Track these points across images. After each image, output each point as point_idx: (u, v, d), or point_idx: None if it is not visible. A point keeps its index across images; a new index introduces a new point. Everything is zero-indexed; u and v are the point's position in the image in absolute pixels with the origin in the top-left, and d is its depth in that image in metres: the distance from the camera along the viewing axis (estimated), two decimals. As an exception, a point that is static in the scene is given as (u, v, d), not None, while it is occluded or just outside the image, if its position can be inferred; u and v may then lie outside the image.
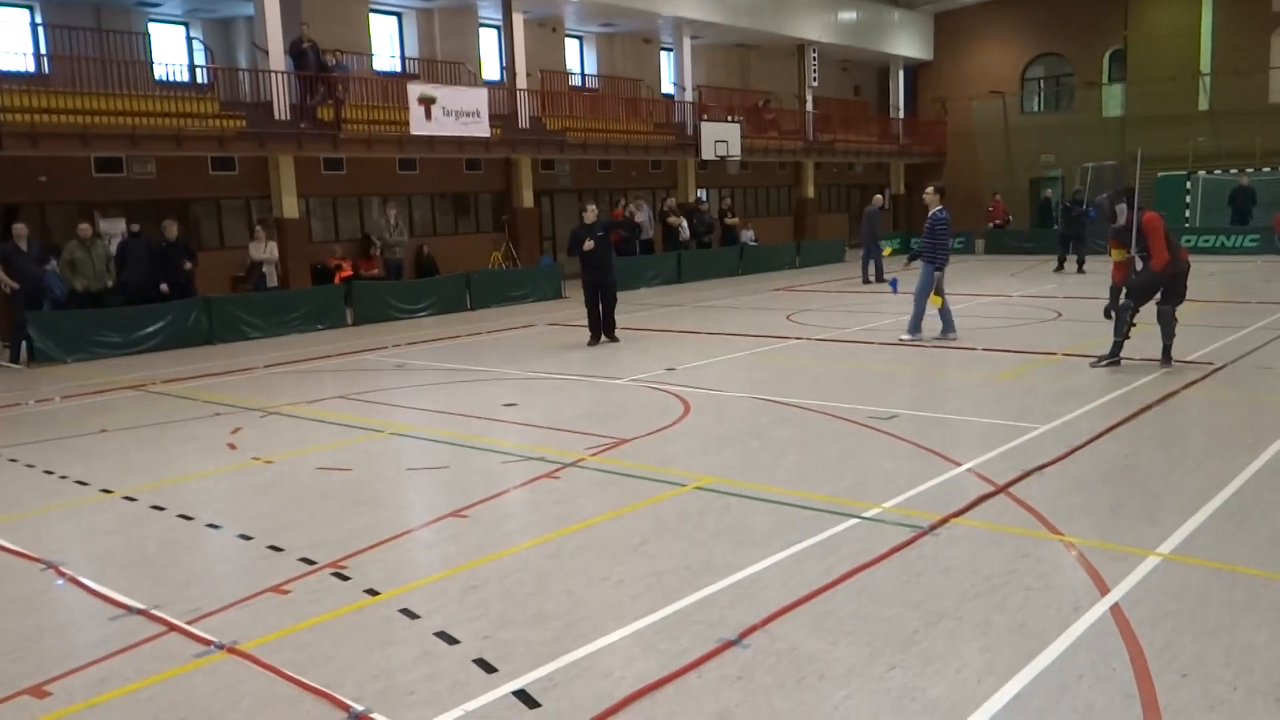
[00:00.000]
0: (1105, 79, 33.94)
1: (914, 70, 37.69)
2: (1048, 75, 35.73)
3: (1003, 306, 16.69)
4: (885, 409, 8.79)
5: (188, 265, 16.49)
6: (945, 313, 12.87)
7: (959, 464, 6.92)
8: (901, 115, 36.84)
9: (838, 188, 35.66)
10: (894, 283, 13.76)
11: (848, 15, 33.04)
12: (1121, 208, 10.10)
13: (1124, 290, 10.21)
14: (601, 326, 13.96)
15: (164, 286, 15.99)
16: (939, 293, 12.72)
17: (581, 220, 14.09)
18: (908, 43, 36.00)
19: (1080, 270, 22.21)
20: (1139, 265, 10.06)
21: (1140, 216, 9.93)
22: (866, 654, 4.15)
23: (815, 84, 32.12)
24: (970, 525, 5.65)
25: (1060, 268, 22.92)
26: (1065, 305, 16.46)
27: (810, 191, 33.23)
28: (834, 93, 35.30)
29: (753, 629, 4.38)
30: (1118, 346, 10.38)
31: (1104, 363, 10.46)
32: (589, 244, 13.70)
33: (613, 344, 13.85)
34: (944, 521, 5.70)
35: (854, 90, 37.80)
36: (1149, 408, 8.54)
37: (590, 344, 13.78)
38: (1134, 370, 10.22)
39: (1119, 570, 4.90)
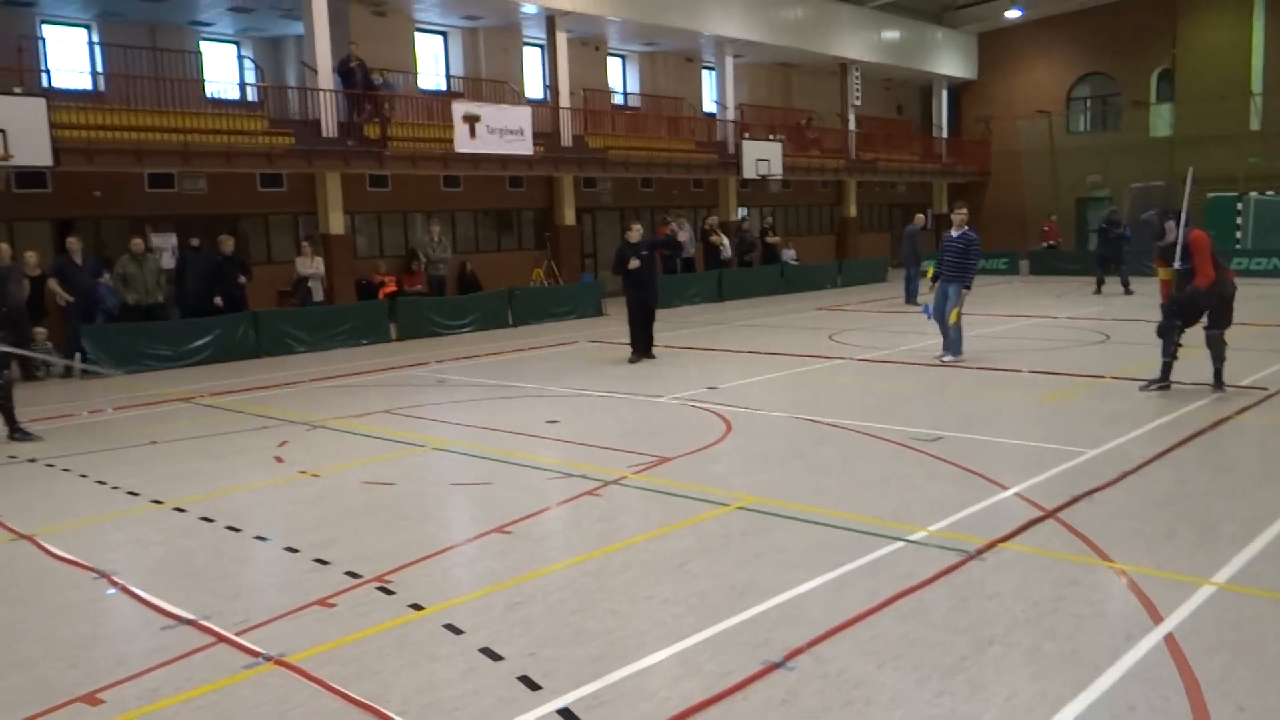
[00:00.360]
0: (1153, 98, 33.54)
1: (958, 89, 37.51)
2: (1094, 95, 35.37)
3: (1049, 328, 16.49)
4: (930, 430, 8.71)
5: (242, 279, 16.73)
6: (958, 332, 12.85)
7: (1006, 487, 6.83)
8: (945, 134, 36.65)
9: (880, 207, 35.50)
10: (927, 308, 13.49)
11: (891, 34, 33.00)
12: (1171, 225, 9.95)
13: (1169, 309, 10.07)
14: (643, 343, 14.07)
15: (218, 300, 16.28)
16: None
17: (625, 239, 14.18)
18: (951, 62, 35.84)
19: (1127, 291, 21.84)
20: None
21: (1187, 234, 9.78)
22: (914, 679, 4.09)
23: (858, 103, 32.15)
24: (1018, 550, 5.57)
25: (1099, 290, 22.52)
26: (1112, 327, 16.23)
27: (852, 210, 33.19)
28: (877, 111, 35.24)
29: (798, 651, 4.34)
30: (1166, 368, 10.21)
31: (1154, 386, 10.29)
32: (634, 263, 13.75)
33: (649, 360, 13.90)
34: (991, 546, 5.61)
35: (897, 109, 37.68)
36: (1201, 433, 8.38)
37: (632, 360, 13.87)
38: (1186, 395, 10.05)
39: (1173, 599, 4.81)
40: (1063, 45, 34.99)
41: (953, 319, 12.66)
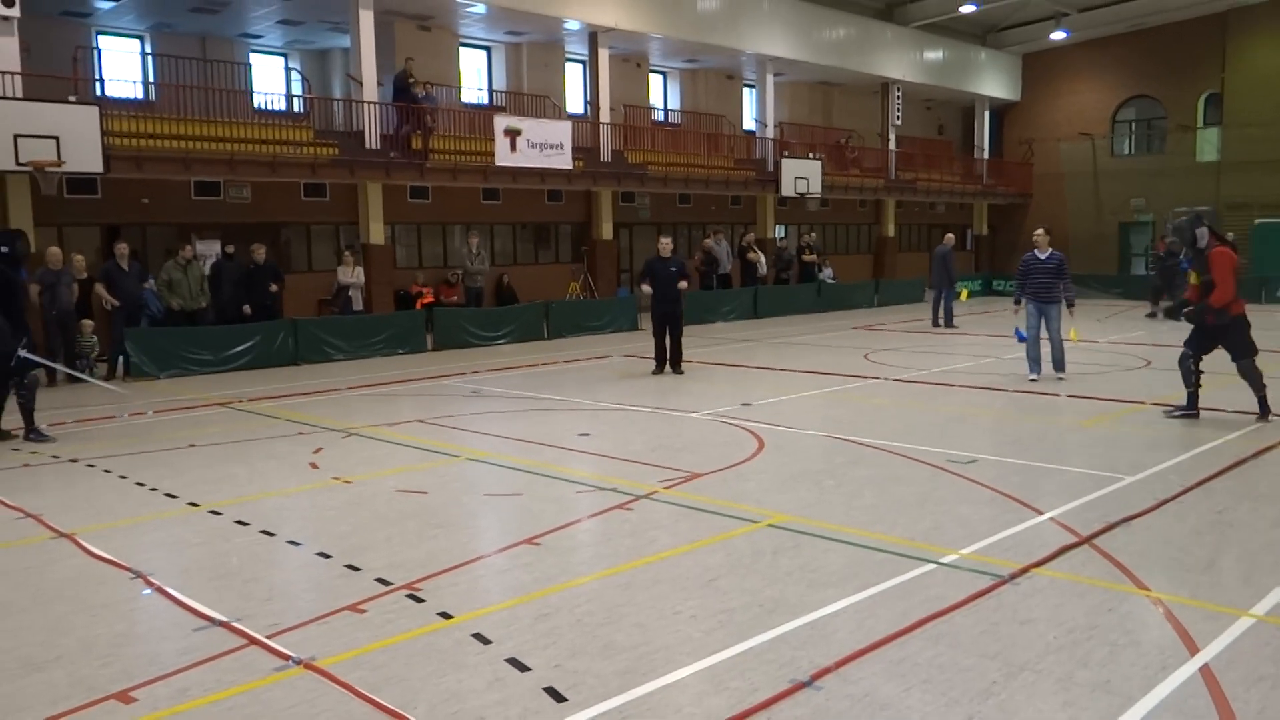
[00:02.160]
0: (1200, 122, 33.10)
1: (1000, 110, 37.25)
2: (1139, 118, 34.97)
3: (1090, 353, 16.28)
4: (964, 453, 8.63)
5: (274, 288, 16.98)
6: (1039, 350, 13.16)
7: (1041, 512, 6.75)
8: (986, 155, 36.37)
9: (919, 227, 35.27)
10: (1020, 332, 13.43)
11: (933, 55, 32.87)
12: (1202, 231, 9.78)
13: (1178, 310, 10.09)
14: (668, 358, 14.10)
15: (246, 308, 16.45)
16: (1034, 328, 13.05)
17: (657, 253, 14.21)
18: (994, 83, 35.62)
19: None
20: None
21: (1212, 246, 9.60)
22: (942, 703, 4.05)
23: (898, 122, 32.05)
24: (1052, 576, 5.50)
25: (1154, 314, 22.25)
26: (1155, 353, 16.00)
27: (891, 230, 33.06)
28: (917, 131, 35.07)
29: (825, 671, 4.32)
30: (1192, 398, 10.07)
31: (1177, 413, 10.13)
32: (645, 287, 13.98)
33: (678, 375, 13.91)
34: (1024, 571, 5.55)
35: (938, 129, 37.48)
36: (1242, 462, 8.24)
37: (654, 373, 13.95)
38: (1227, 423, 9.88)
39: (1210, 629, 4.72)
40: (1108, 67, 34.67)
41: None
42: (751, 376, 14.10)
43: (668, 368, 14.14)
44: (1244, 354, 9.76)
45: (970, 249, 36.39)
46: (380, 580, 5.59)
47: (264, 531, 6.65)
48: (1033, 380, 12.83)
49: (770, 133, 28.36)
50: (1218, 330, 9.76)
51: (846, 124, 32.51)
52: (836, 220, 32.16)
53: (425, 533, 6.55)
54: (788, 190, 26.51)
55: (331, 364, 16.36)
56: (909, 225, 34.71)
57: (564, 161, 21.54)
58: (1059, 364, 13.09)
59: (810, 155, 27.86)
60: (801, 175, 26.64)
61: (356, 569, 5.82)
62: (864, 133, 32.29)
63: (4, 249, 9.97)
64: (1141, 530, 6.36)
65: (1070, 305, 13.14)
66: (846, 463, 8.43)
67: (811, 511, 6.89)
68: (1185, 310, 10.03)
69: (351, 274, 18.96)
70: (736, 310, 23.63)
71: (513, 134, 20.58)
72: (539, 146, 21.03)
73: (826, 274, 28.01)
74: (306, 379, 14.61)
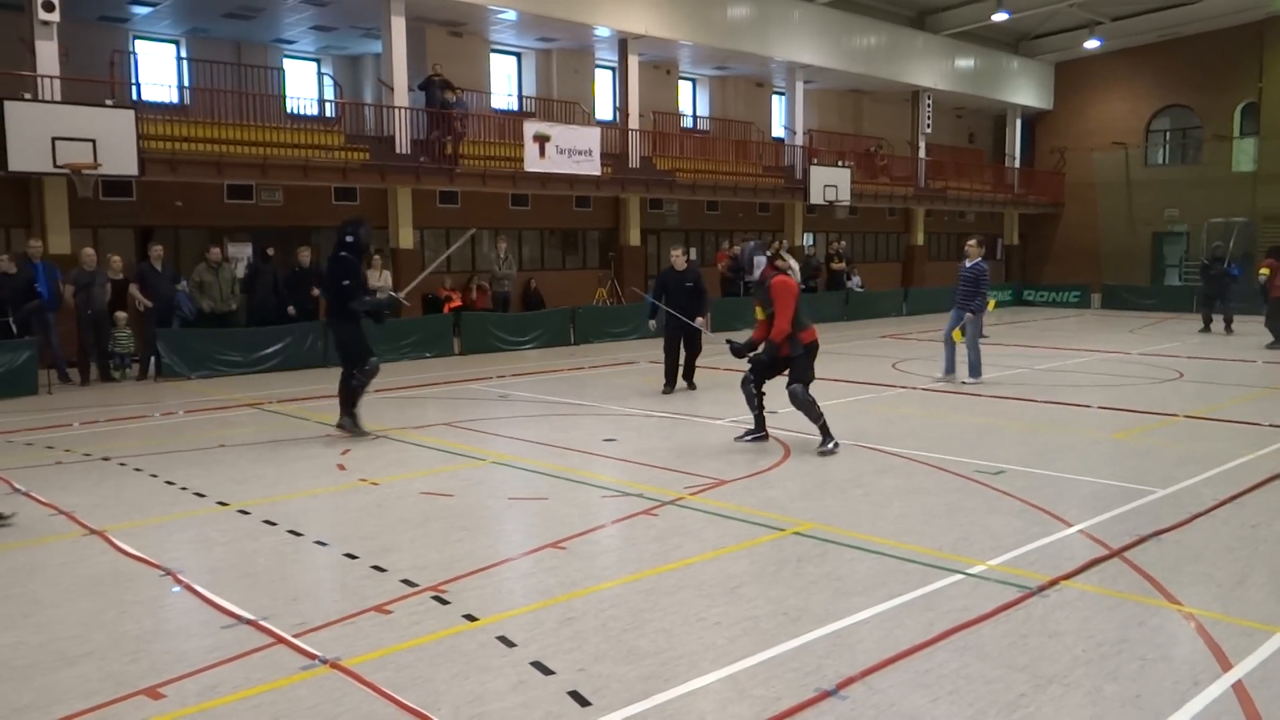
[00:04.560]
0: (1236, 132, 32.72)
1: (1032, 119, 37.00)
2: (1174, 127, 34.63)
3: (1120, 364, 16.12)
4: (993, 463, 8.56)
5: (315, 292, 17.03)
6: (953, 353, 13.70)
7: (1070, 524, 6.68)
8: (1018, 165, 36.08)
9: (948, 236, 35.07)
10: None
11: (965, 63, 32.71)
12: (759, 260, 9.42)
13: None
14: (682, 373, 13.27)
15: (291, 309, 16.62)
16: (964, 331, 13.52)
17: (671, 266, 13.16)
18: (1026, 91, 35.39)
19: (1228, 330, 21.10)
20: None
21: (770, 277, 9.16)
22: (969, 715, 4.01)
23: (929, 130, 31.92)
24: (1081, 589, 5.44)
25: (1206, 329, 21.44)
26: (1188, 365, 15.81)
27: (920, 239, 32.91)
28: (948, 140, 34.91)
29: (850, 680, 4.29)
30: (759, 420, 9.60)
31: (748, 438, 9.61)
32: (652, 324, 13.86)
33: (691, 390, 13.24)
34: (1053, 583, 5.49)
35: (968, 138, 37.30)
36: (1277, 477, 8.11)
37: (665, 391, 13.06)
38: (1263, 436, 9.73)
39: (1243, 645, 4.65)
40: (1143, 77, 34.35)
41: (958, 339, 13.65)
42: (777, 384, 13.99)
43: (680, 382, 13.27)
44: (799, 379, 9.10)
45: (1001, 258, 36.08)
46: (406, 582, 5.61)
47: (291, 531, 6.69)
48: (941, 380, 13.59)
49: (799, 140, 28.31)
50: (786, 360, 9.18)
51: (876, 132, 32.45)
52: (865, 228, 32.09)
53: (451, 535, 6.56)
54: (816, 198, 26.48)
55: (360, 367, 16.41)
56: (938, 234, 34.55)
57: (592, 167, 21.68)
58: (973, 369, 13.71)
59: (839, 163, 27.81)
60: (830, 183, 26.62)
61: (383, 570, 5.84)
62: (894, 140, 32.19)
63: (349, 238, 9.92)
64: (1173, 544, 6.27)
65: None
66: (874, 472, 8.38)
67: (838, 520, 6.85)
68: (754, 353, 9.36)
69: (380, 278, 19.10)
70: (761, 318, 23.64)
71: (542, 140, 20.73)
72: (568, 152, 21.20)
73: (855, 282, 27.92)
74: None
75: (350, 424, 10.17)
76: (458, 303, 21.12)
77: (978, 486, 7.79)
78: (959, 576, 5.60)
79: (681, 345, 13.19)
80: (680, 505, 7.26)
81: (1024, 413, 11.47)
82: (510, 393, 13.42)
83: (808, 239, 29.52)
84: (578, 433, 10.40)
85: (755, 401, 9.54)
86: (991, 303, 14.50)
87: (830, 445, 9.09)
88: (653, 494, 7.56)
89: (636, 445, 9.65)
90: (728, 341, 9.65)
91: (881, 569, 5.79)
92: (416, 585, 5.54)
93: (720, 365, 14.88)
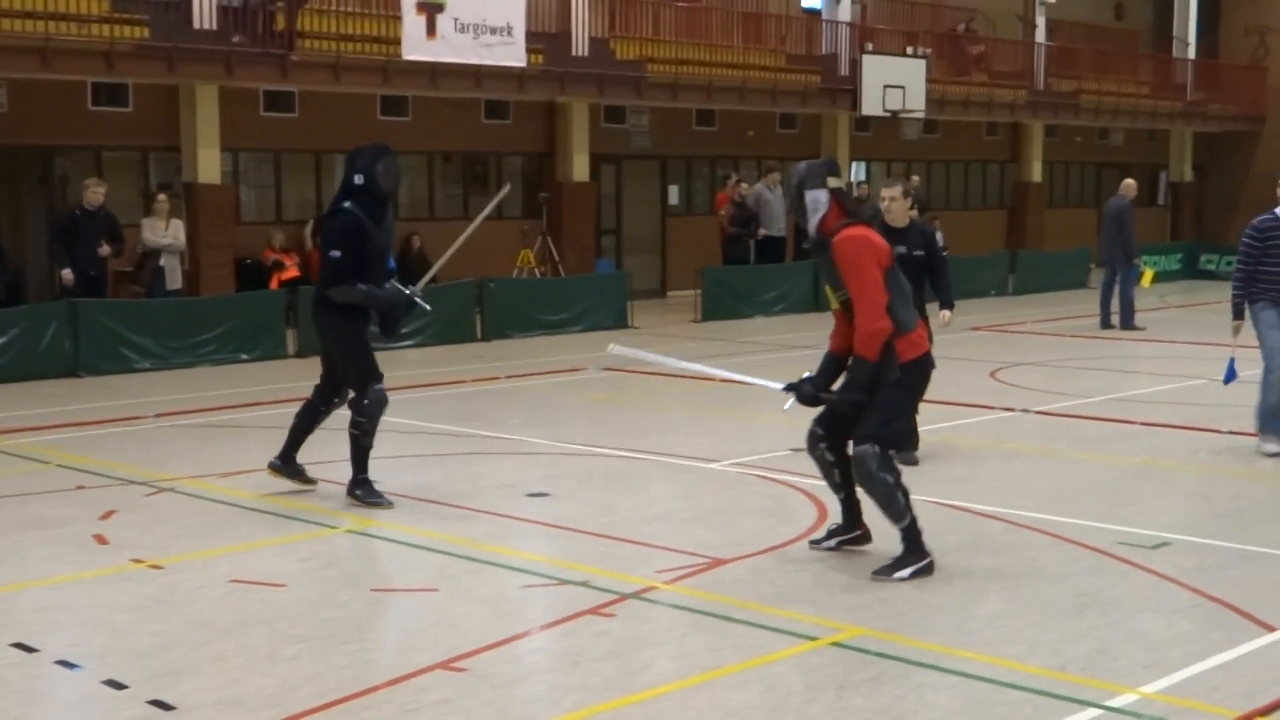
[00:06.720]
0: None
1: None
2: None
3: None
4: (1149, 531, 6.90)
5: (104, 249, 12.95)
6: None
7: (1272, 629, 5.17)
8: (1192, 55, 26.99)
9: (1082, 167, 26.71)
10: (1230, 370, 9.12)
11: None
12: (818, 196, 6.16)
13: None
14: None
15: (67, 273, 12.75)
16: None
17: (883, 219, 8.18)
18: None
19: None
20: None
21: (839, 227, 6.00)
22: None
23: (1052, 0, 24.15)
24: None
25: None
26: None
27: (1036, 173, 24.88)
28: (1082, 15, 26.29)
29: None
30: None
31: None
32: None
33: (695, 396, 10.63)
34: (1248, 721, 4.25)
35: (1115, 12, 28.27)
36: None
37: (907, 462, 8.05)
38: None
39: None
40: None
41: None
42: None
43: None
44: (878, 432, 5.89)
45: (1165, 203, 27.91)
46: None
47: (18, 645, 5.08)
48: (1273, 455, 8.98)
49: (845, 14, 20.94)
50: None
51: (968, 2, 24.21)
52: (949, 155, 24.27)
53: (279, 650, 5.09)
54: (871, 106, 19.80)
55: (132, 375, 12.99)
56: (1066, 165, 26.41)
57: (513, 55, 16.72)
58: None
59: (909, 50, 21.32)
60: (895, 82, 19.96)
61: (169, 708, 4.44)
62: (996, 15, 24.15)
63: (358, 177, 7.40)
64: None
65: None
66: (959, 545, 6.63)
67: (902, 622, 5.33)
68: (848, 395, 6.05)
69: (165, 231, 14.51)
70: (787, 299, 17.78)
71: (431, 8, 16.01)
72: (472, 29, 16.09)
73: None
74: (91, 400, 11.75)
75: (289, 470, 7.82)
76: (294, 272, 16.33)
77: (1124, 567, 6.23)
78: (1095, 711, 4.39)
79: None
80: (648, 599, 5.67)
81: (1198, 452, 9.44)
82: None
83: (858, 171, 22.81)
84: (486, 483, 8.40)
85: (836, 475, 6.35)
86: (1149, 273, 11.37)
87: (907, 572, 5.82)
88: (606, 581, 5.89)
89: (580, 502, 7.79)
90: (787, 386, 6.23)
91: (970, 701, 4.52)
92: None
93: (717, 375, 12.54)
